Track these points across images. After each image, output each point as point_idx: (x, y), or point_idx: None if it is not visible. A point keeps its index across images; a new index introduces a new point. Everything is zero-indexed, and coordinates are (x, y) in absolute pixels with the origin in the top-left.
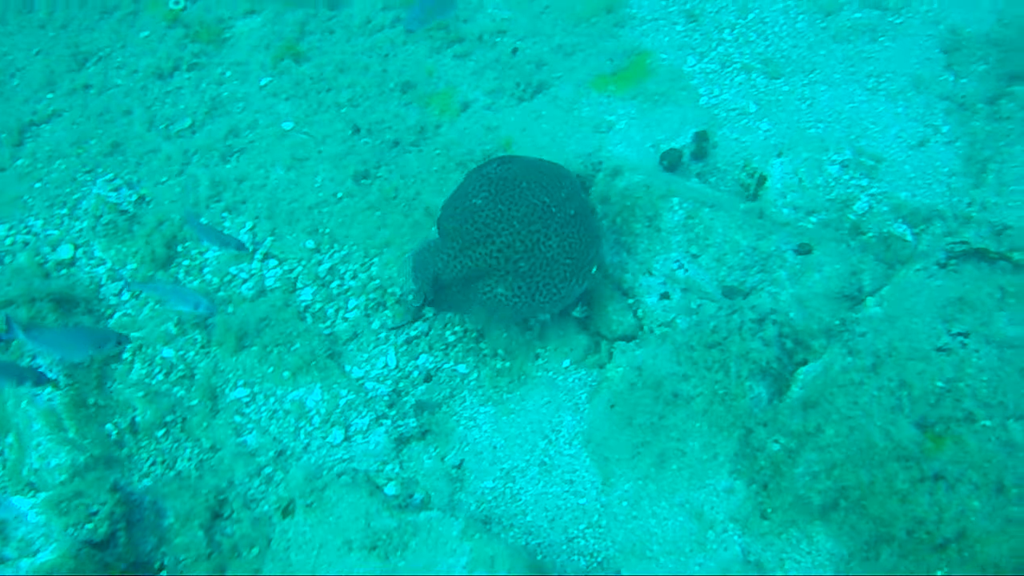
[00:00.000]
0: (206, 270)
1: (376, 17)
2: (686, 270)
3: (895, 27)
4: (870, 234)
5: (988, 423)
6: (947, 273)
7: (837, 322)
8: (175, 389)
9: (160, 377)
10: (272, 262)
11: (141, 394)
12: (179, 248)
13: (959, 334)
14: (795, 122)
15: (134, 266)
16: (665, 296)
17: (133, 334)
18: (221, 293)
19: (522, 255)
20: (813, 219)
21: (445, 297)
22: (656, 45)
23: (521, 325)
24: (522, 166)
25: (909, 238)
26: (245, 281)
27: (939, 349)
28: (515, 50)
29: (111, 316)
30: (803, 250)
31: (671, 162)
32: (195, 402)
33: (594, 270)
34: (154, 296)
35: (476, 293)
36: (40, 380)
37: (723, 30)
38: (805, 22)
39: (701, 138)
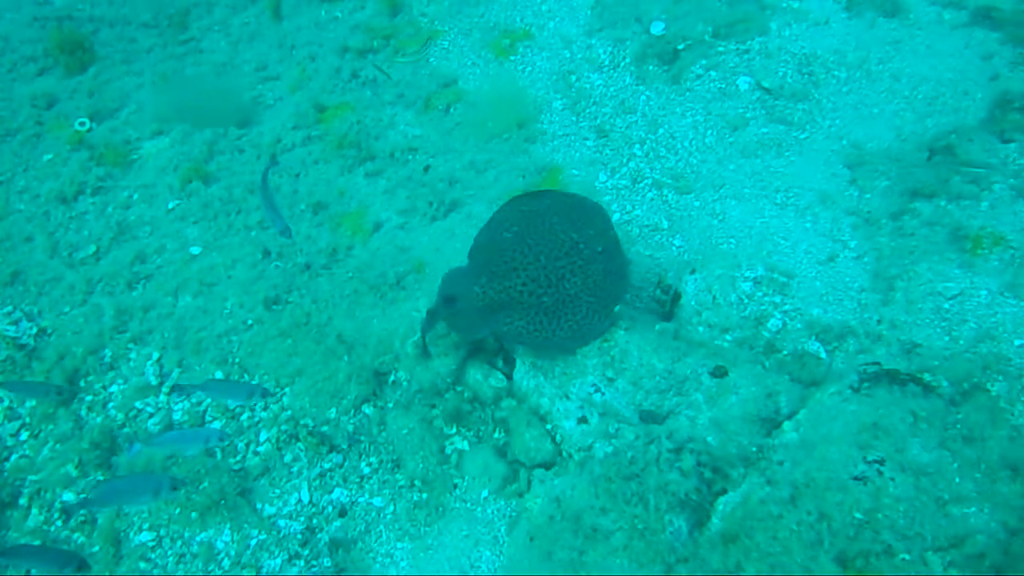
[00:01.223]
0: (110, 405)
1: (287, 136)
2: (603, 394)
3: (800, 142)
4: (785, 352)
5: (907, 556)
6: (860, 397)
7: (754, 449)
8: (75, 535)
9: (59, 523)
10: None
11: (38, 543)
12: (81, 383)
13: (875, 461)
14: (707, 238)
15: (33, 403)
16: (583, 420)
17: (30, 477)
18: (126, 429)
19: (546, 290)
20: (728, 337)
21: (460, 320)
22: (568, 161)
23: (438, 455)
24: (555, 200)
25: (823, 356)
26: (151, 416)
27: (856, 478)
28: (427, 167)
29: (7, 459)
30: (719, 373)
31: None
32: (96, 548)
33: (617, 308)
34: (209, 396)
35: (497, 322)
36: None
37: (633, 145)
38: (713, 137)
39: None
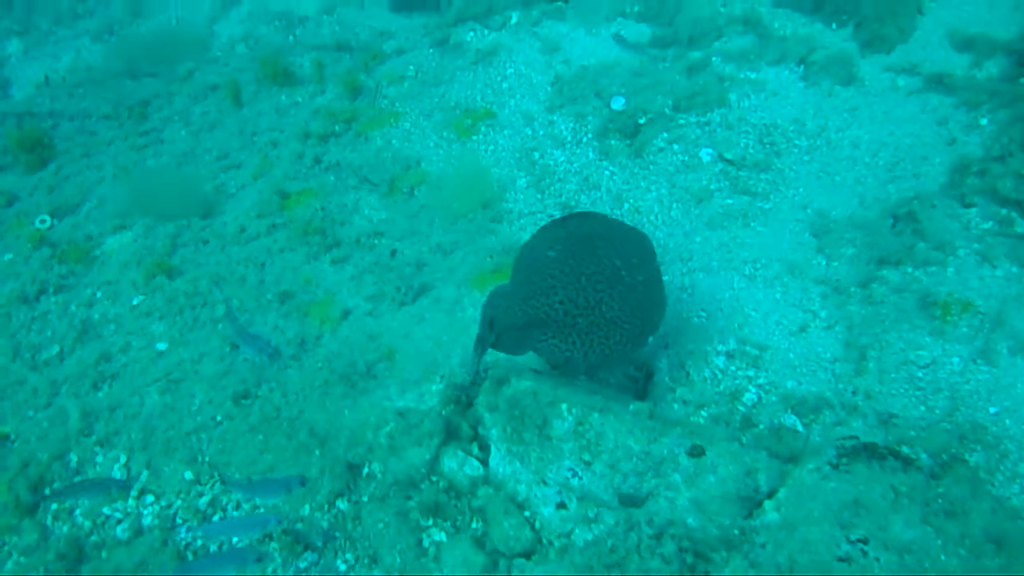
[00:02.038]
0: (77, 512)
1: (251, 225)
2: (580, 478)
3: (765, 212)
4: (762, 426)
5: None
6: (840, 474)
7: (736, 531)
8: None
9: None
10: (149, 498)
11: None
12: (46, 491)
13: (858, 540)
14: (678, 312)
15: None
16: (562, 506)
17: None
18: (94, 537)
19: (583, 311)
20: (704, 413)
21: (504, 340)
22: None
23: (416, 548)
24: (601, 224)
25: (800, 429)
26: (120, 522)
27: (840, 559)
28: (394, 252)
29: None
30: (696, 452)
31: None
32: None
33: (651, 340)
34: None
35: (532, 340)
36: None
37: None
38: (679, 210)
39: None
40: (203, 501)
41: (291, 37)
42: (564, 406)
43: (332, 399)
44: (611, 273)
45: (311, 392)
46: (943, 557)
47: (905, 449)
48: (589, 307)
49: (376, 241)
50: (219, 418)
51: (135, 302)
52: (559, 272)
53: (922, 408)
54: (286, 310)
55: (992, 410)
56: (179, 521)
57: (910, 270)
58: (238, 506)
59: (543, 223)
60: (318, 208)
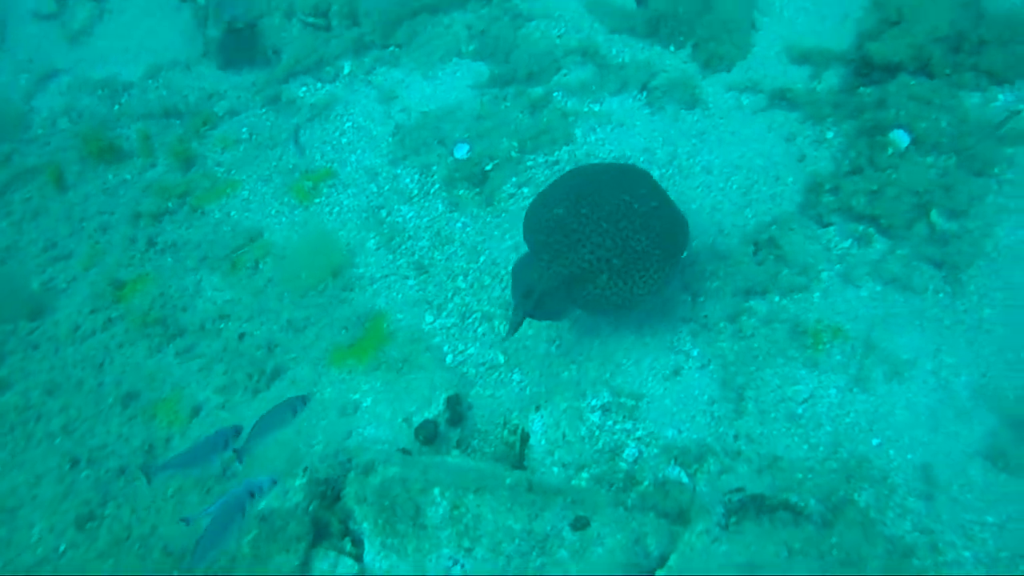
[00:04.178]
0: None
1: (85, 322)
2: (463, 565)
3: None
4: (646, 483)
5: None
6: (731, 536)
7: None
8: None
9: None
10: None
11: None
12: None
13: None
14: (547, 368)
15: None
16: None
17: None
18: None
19: (614, 253)
20: (585, 475)
21: (542, 308)
22: (390, 304)
23: None
24: (595, 170)
25: (685, 480)
26: None
27: None
28: (242, 335)
29: None
30: (580, 524)
31: (427, 436)
32: None
33: (684, 254)
34: None
35: (576, 298)
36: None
37: (456, 278)
38: None
39: (454, 402)
40: None
41: (116, 106)
42: (436, 490)
43: (188, 508)
44: (626, 208)
45: (163, 503)
46: None
47: (793, 498)
48: (618, 246)
49: (223, 325)
50: (62, 548)
51: None
52: (578, 225)
53: (805, 447)
54: (130, 413)
55: (875, 441)
56: None
57: (777, 299)
58: None
59: (397, 286)
60: (157, 295)
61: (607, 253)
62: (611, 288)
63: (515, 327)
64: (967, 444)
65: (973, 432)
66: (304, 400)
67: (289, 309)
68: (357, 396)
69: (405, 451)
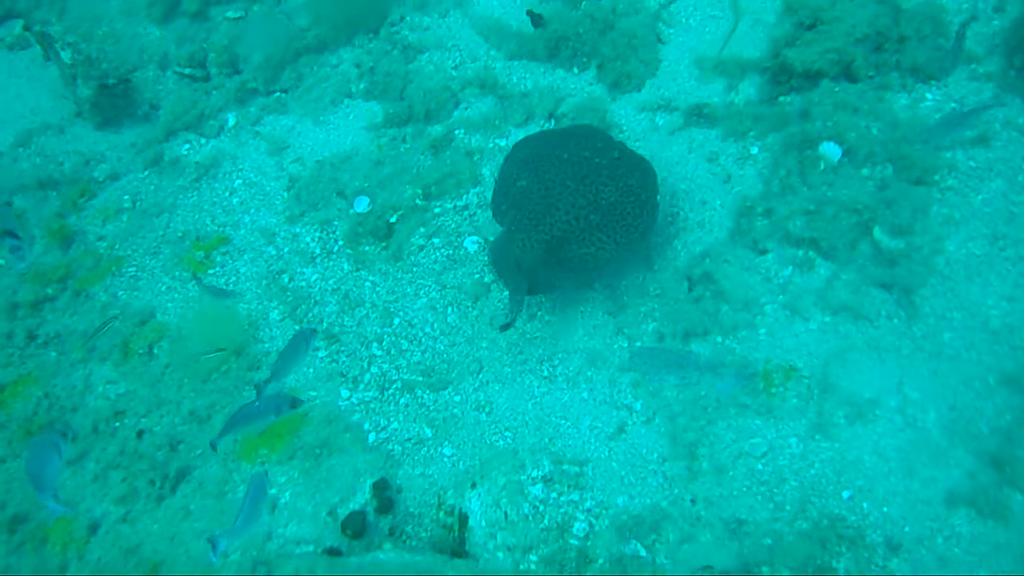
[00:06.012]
0: None
1: None
2: None
3: (552, 299)
4: (601, 560)
5: None
6: None
7: None
8: None
9: None
10: None
11: None
12: None
13: None
14: (479, 437)
15: None
16: None
17: None
18: None
19: (589, 209)
20: (534, 557)
21: (537, 280)
22: (303, 381)
23: None
24: (544, 136)
25: (643, 554)
26: None
27: None
28: (140, 432)
29: None
30: None
31: (355, 530)
32: None
33: (658, 198)
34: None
35: (563, 261)
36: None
37: (371, 345)
38: (456, 314)
39: (381, 487)
40: None
41: None
42: None
43: None
44: (588, 165)
45: None
46: None
47: (766, 570)
48: (591, 202)
49: (118, 423)
50: None
51: None
52: (544, 190)
53: (771, 506)
54: (18, 540)
55: (845, 494)
56: None
57: (720, 339)
58: None
59: (308, 359)
60: (41, 396)
61: (582, 211)
62: (596, 244)
63: (517, 307)
64: (946, 489)
65: (951, 476)
66: (314, 332)
67: (191, 398)
68: (274, 491)
69: (333, 551)
